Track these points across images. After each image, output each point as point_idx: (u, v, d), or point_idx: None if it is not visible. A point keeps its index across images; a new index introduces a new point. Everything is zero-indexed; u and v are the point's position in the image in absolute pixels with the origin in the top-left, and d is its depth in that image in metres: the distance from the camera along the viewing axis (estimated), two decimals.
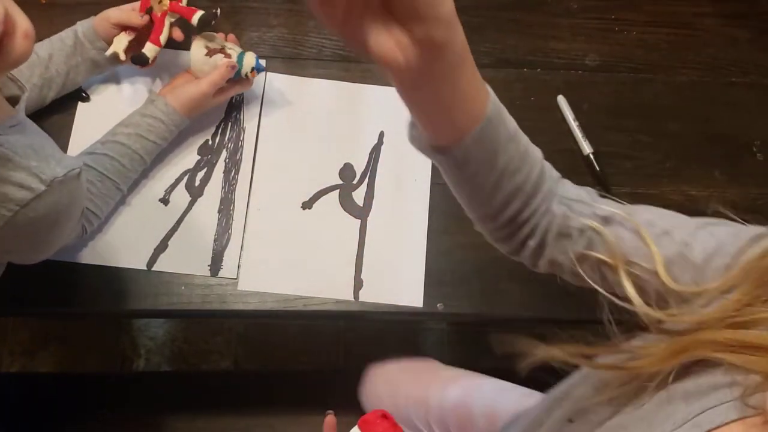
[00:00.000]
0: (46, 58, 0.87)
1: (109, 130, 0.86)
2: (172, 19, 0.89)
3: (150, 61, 0.88)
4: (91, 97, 0.95)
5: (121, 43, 0.88)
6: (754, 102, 1.04)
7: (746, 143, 1.01)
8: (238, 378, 1.54)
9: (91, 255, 0.87)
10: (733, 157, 1.01)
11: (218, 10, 0.87)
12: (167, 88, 0.90)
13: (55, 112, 0.93)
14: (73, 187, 0.66)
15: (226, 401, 1.48)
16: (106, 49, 0.88)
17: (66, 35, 0.89)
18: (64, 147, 0.91)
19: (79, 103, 0.94)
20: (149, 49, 0.87)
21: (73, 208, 0.71)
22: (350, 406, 1.48)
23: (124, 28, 0.89)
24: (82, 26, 0.89)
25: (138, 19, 0.88)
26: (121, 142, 0.84)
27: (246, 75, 0.90)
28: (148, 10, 0.88)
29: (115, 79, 0.97)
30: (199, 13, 0.88)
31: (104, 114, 0.91)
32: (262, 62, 0.90)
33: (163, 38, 0.88)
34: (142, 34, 0.89)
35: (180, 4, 0.89)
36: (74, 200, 0.69)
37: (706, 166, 1.00)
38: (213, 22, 0.87)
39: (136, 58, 0.88)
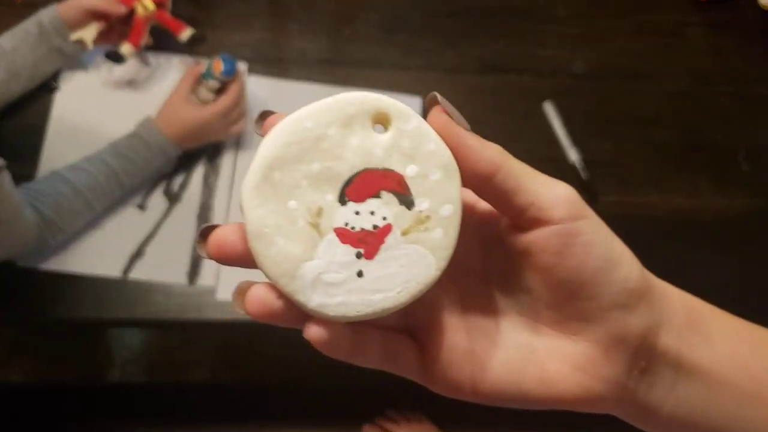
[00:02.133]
0: (10, 51, 0.85)
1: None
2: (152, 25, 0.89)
3: (125, 62, 0.88)
4: (62, 86, 0.93)
5: (90, 31, 0.86)
6: (739, 111, 1.04)
7: (732, 152, 1.01)
8: (216, 389, 1.51)
9: (63, 262, 0.84)
10: (718, 166, 1.00)
11: (197, 33, 0.92)
12: (162, 108, 0.88)
13: (28, 108, 0.91)
14: None
15: (204, 413, 1.45)
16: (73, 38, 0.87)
17: (30, 25, 0.86)
18: (38, 144, 0.89)
19: (56, 95, 0.92)
20: (127, 50, 0.87)
21: None
22: (330, 419, 1.46)
23: (97, 17, 0.87)
24: (46, 15, 0.87)
25: (118, 8, 0.86)
26: (101, 159, 0.82)
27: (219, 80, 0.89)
28: (129, 12, 0.88)
29: (85, 67, 0.95)
30: (190, 31, 0.90)
31: (81, 107, 0.90)
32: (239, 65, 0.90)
33: (142, 42, 0.88)
34: (112, 28, 0.88)
35: (166, 13, 0.89)
36: None
37: (692, 175, 0.99)
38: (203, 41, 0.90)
39: (113, 56, 0.86)
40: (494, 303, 0.30)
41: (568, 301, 0.28)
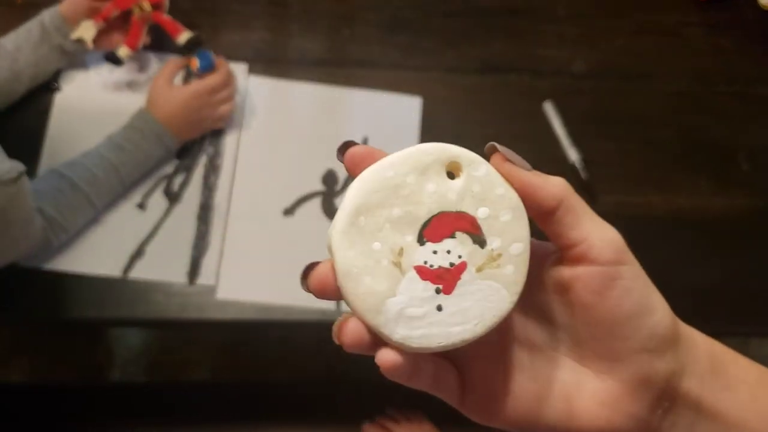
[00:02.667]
0: (13, 50, 0.85)
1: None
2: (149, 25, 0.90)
3: (123, 64, 0.88)
4: (62, 86, 0.93)
5: (89, 30, 0.86)
6: (739, 111, 1.04)
7: (732, 152, 1.01)
8: (216, 389, 1.51)
9: (64, 262, 0.84)
10: (718, 165, 1.00)
11: (199, 35, 0.91)
12: (149, 96, 0.89)
13: (28, 108, 0.91)
14: (7, 191, 0.63)
15: (204, 412, 1.45)
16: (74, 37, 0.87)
17: (32, 25, 0.87)
18: (38, 144, 0.89)
19: (57, 96, 0.92)
20: (125, 53, 0.87)
21: (8, 214, 0.68)
22: (331, 418, 1.46)
23: (96, 12, 0.87)
24: (48, 14, 0.87)
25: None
26: (98, 153, 0.82)
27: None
28: (128, 12, 0.88)
29: (86, 67, 0.95)
30: (188, 34, 0.90)
31: (82, 107, 0.90)
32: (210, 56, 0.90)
33: (140, 44, 0.89)
34: (112, 28, 0.88)
35: (163, 15, 0.89)
36: (10, 206, 0.66)
37: (692, 175, 0.99)
38: (201, 44, 0.89)
39: (111, 57, 0.87)
40: (530, 337, 0.33)
41: (601, 340, 0.30)
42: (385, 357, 0.29)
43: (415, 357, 0.29)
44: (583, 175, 0.95)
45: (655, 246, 0.93)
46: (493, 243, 0.30)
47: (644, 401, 0.30)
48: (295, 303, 0.86)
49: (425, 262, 0.29)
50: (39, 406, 1.43)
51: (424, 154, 0.30)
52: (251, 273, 0.87)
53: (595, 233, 0.30)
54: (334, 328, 0.30)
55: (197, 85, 0.88)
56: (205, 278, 0.86)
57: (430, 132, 0.95)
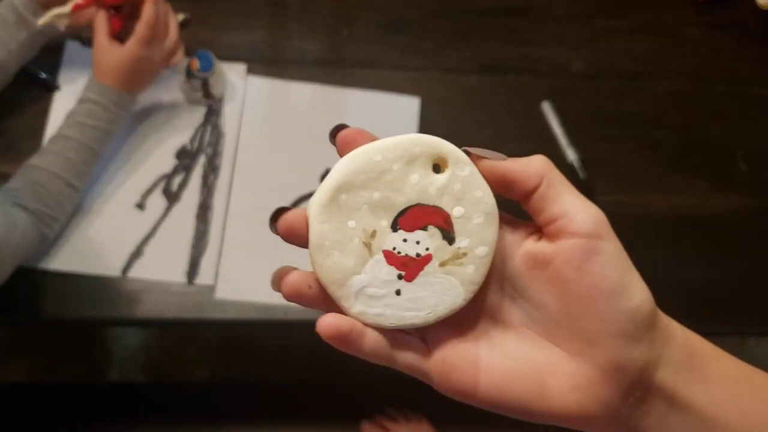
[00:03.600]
0: None
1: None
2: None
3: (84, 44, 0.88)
4: (62, 86, 0.93)
5: (58, 11, 0.82)
6: (737, 111, 1.04)
7: (729, 152, 1.01)
8: (215, 389, 1.51)
9: (63, 261, 0.84)
10: (716, 165, 1.01)
11: (189, 17, 0.88)
12: (93, 65, 0.84)
13: (28, 108, 0.91)
14: None
15: (203, 412, 1.45)
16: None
17: (4, 11, 0.82)
18: (38, 144, 0.89)
19: (56, 95, 0.92)
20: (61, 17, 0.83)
21: None
22: (330, 417, 1.46)
23: None
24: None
25: None
26: (64, 135, 0.81)
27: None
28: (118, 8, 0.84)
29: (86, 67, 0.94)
30: (179, 16, 0.87)
31: None
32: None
33: (119, 30, 0.85)
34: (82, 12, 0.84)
35: None
36: None
37: (690, 175, 0.99)
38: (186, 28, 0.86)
39: (90, 42, 0.85)
40: (505, 315, 0.33)
41: (578, 320, 0.30)
42: (325, 320, 0.30)
43: (362, 329, 0.31)
44: (581, 174, 0.95)
45: (653, 245, 0.94)
46: (461, 242, 0.31)
47: (617, 388, 0.30)
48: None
49: (394, 248, 0.31)
50: (39, 406, 1.43)
51: (414, 144, 0.31)
52: (250, 273, 0.87)
53: (576, 207, 0.30)
54: (274, 274, 0.32)
55: (134, 40, 0.83)
56: (203, 278, 0.86)
57: (428, 132, 0.95)
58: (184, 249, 0.87)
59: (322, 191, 0.31)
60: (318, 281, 0.31)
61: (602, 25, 1.06)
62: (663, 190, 0.98)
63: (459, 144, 0.32)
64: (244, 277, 0.86)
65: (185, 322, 0.87)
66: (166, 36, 0.86)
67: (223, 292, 0.86)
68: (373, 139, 0.32)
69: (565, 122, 0.98)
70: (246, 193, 0.91)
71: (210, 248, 0.87)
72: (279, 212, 0.31)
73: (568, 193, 0.31)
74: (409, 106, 0.97)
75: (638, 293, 0.30)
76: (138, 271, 0.85)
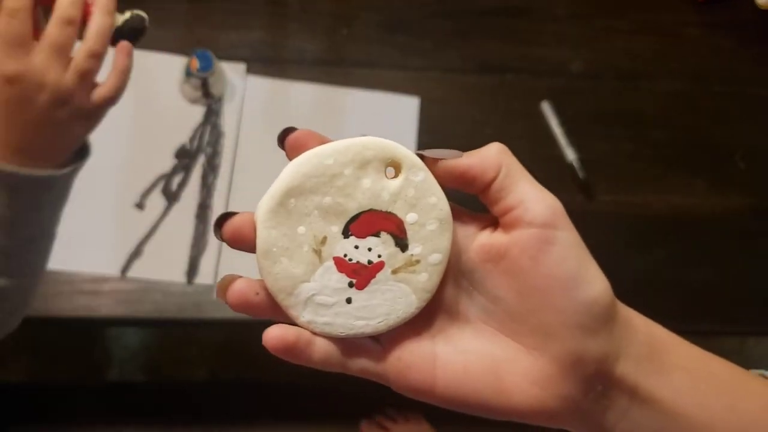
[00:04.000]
0: None
1: None
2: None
3: None
4: None
5: None
6: (736, 111, 1.04)
7: (728, 152, 1.02)
8: (214, 388, 1.51)
9: (62, 260, 0.84)
10: (715, 165, 1.01)
11: (146, 18, 0.59)
12: None
13: None
14: None
15: (203, 412, 1.45)
16: None
17: None
18: None
19: None
20: None
21: None
22: (329, 417, 1.46)
23: None
24: None
25: None
26: None
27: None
28: None
29: None
30: (126, 14, 0.58)
31: None
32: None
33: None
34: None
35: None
36: None
37: (689, 175, 1.00)
38: (143, 32, 0.60)
39: None
40: (462, 310, 0.32)
41: (534, 313, 0.29)
42: (271, 332, 0.29)
43: (310, 339, 0.30)
44: (580, 174, 0.95)
45: (652, 245, 0.94)
46: (414, 249, 0.30)
47: (575, 382, 0.29)
48: None
49: (345, 255, 0.30)
50: (38, 406, 1.43)
51: (366, 148, 0.30)
52: (249, 272, 0.87)
53: (532, 196, 0.29)
54: (219, 283, 0.31)
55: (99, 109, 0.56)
56: (203, 277, 0.86)
57: (427, 132, 0.95)
58: (183, 249, 0.87)
59: (270, 195, 0.30)
60: (265, 289, 0.30)
61: (602, 25, 1.06)
62: (662, 190, 0.98)
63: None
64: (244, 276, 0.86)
65: (185, 322, 0.87)
66: (72, 38, 0.52)
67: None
68: (323, 141, 0.31)
69: (564, 122, 0.98)
70: (245, 192, 0.91)
71: (209, 248, 0.87)
72: (224, 217, 0.30)
73: (525, 182, 0.30)
74: (409, 106, 0.97)
75: (596, 284, 0.29)
76: (137, 271, 0.85)
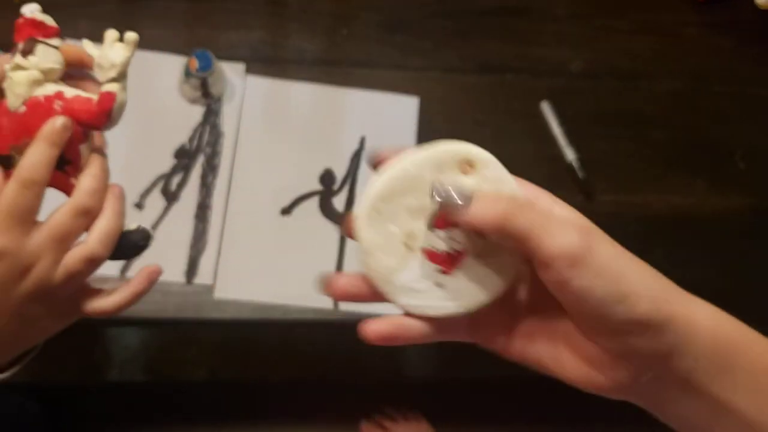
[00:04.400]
0: None
1: None
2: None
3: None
4: None
5: None
6: (736, 111, 1.04)
7: (728, 152, 1.02)
8: (214, 388, 1.51)
9: None
10: (715, 165, 1.01)
11: (151, 236, 0.52)
12: None
13: None
14: None
15: (202, 412, 1.45)
16: None
17: None
18: None
19: None
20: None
21: None
22: (329, 417, 1.46)
23: None
24: None
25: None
26: None
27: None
28: None
29: None
30: (132, 225, 0.50)
31: None
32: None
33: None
34: None
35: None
36: None
37: (689, 174, 1.00)
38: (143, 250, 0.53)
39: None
40: (537, 295, 0.36)
41: (581, 319, 0.33)
42: (370, 328, 0.34)
43: (407, 326, 0.35)
44: (580, 174, 0.95)
45: (652, 245, 0.94)
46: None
47: (626, 370, 0.32)
48: (293, 302, 0.86)
49: (432, 246, 0.34)
50: (36, 406, 1.43)
51: (440, 152, 0.34)
52: (249, 272, 0.87)
53: (548, 245, 0.31)
54: (321, 280, 0.36)
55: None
56: (202, 278, 0.86)
57: (427, 132, 0.95)
58: (182, 249, 0.87)
59: (365, 202, 0.35)
60: (366, 280, 0.35)
61: (602, 25, 1.07)
62: (662, 190, 0.98)
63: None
64: (243, 277, 0.86)
65: (184, 322, 0.87)
66: (80, 232, 0.46)
67: (221, 292, 0.86)
68: (404, 150, 0.35)
69: (564, 122, 0.98)
70: (245, 192, 0.91)
71: (209, 248, 0.87)
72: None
73: (545, 224, 0.32)
74: (409, 105, 0.97)
75: (630, 296, 0.31)
76: (137, 271, 0.85)
